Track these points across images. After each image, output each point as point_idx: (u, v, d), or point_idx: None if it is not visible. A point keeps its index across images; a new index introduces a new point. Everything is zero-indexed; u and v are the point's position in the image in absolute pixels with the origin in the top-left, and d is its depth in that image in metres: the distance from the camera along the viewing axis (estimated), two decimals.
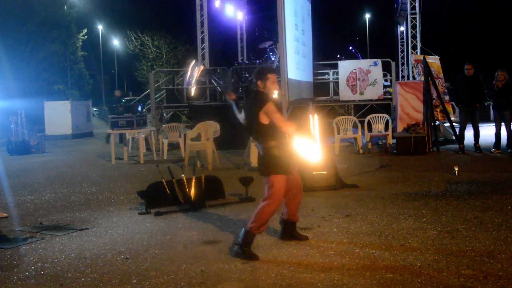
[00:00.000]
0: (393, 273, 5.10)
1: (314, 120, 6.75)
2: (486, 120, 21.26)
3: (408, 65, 25.89)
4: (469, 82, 14.23)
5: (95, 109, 43.80)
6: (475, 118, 14.28)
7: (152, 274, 5.35)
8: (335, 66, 20.21)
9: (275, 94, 6.07)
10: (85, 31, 42.55)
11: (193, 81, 7.92)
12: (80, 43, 42.23)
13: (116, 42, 61.27)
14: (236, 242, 5.92)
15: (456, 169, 10.68)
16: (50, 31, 35.62)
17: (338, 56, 24.78)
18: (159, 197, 8.60)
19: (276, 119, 5.76)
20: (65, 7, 39.05)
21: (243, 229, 5.88)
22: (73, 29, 39.93)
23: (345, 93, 18.82)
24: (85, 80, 44.33)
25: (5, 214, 8.34)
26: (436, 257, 5.52)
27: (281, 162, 5.86)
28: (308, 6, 18.53)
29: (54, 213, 8.57)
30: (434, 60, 19.86)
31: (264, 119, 5.82)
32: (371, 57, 25.38)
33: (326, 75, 21.54)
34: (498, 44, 42.67)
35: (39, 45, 34.88)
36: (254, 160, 12.67)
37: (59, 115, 26.26)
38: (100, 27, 59.16)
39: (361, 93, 18.67)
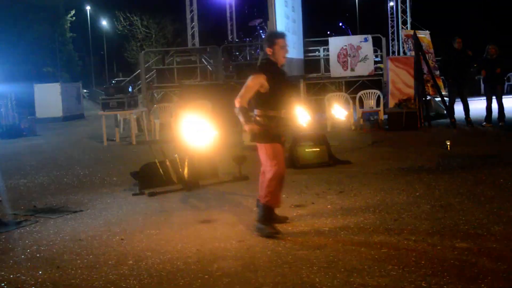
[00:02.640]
0: (388, 248, 5.13)
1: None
2: (477, 94, 21.30)
3: (398, 41, 25.86)
4: (458, 56, 14.22)
5: (85, 90, 43.59)
6: (463, 92, 14.29)
7: (148, 254, 5.36)
8: (326, 43, 20.16)
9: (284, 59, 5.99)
10: (73, 12, 42.16)
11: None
12: (68, 25, 41.87)
13: (104, 23, 60.80)
14: (256, 218, 5.89)
15: (448, 143, 10.71)
16: (38, 13, 35.28)
17: (328, 32, 24.72)
18: (152, 177, 8.59)
19: (241, 90, 5.80)
20: None
21: (259, 204, 5.87)
22: (60, 11, 39.54)
23: (336, 70, 18.79)
24: (74, 62, 44.05)
25: None
26: (430, 231, 5.55)
27: (267, 132, 5.79)
28: None
29: (47, 196, 8.55)
30: (424, 35, 19.83)
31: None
32: (361, 33, 25.28)
33: (317, 52, 21.49)
34: (488, 18, 42.59)
35: (27, 27, 34.58)
36: (246, 138, 12.64)
37: (49, 97, 26.05)
38: (88, 8, 58.67)
39: (352, 70, 18.65)
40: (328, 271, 4.65)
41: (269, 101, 5.81)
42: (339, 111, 6.36)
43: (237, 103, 5.72)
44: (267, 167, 5.83)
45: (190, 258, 5.19)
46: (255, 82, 5.75)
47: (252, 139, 5.90)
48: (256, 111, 5.89)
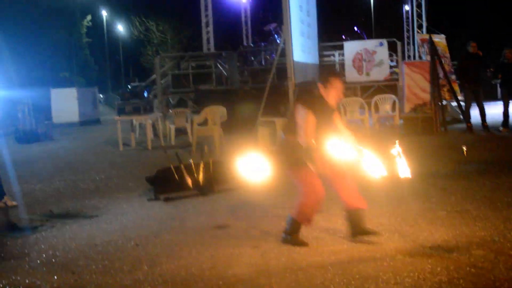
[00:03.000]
0: (403, 254, 5.10)
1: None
2: (494, 98, 21.15)
3: (414, 45, 25.77)
4: (473, 60, 14.15)
5: (101, 95, 43.83)
6: (479, 96, 14.20)
7: (163, 260, 5.37)
8: (341, 47, 20.13)
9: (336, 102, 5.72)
10: (89, 17, 42.45)
11: None
12: (85, 30, 42.18)
13: (120, 28, 61.10)
14: (284, 229, 5.76)
15: (465, 148, 10.62)
16: (55, 19, 35.57)
17: (344, 37, 24.61)
18: (167, 183, 8.59)
19: (299, 124, 5.48)
20: None
21: (289, 216, 5.72)
22: (77, 16, 39.85)
23: (351, 75, 18.75)
24: (90, 67, 44.32)
25: (14, 203, 8.36)
26: (446, 238, 5.52)
27: (292, 156, 5.56)
28: None
29: (63, 201, 8.61)
30: (440, 39, 19.73)
31: (297, 117, 5.55)
32: (376, 38, 25.21)
33: (332, 57, 21.46)
34: (505, 22, 42.31)
35: (44, 33, 34.85)
36: (261, 144, 12.66)
37: (66, 102, 26.22)
38: (104, 13, 59.01)
39: (367, 74, 18.61)
40: (343, 278, 4.64)
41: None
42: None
43: (303, 140, 5.43)
44: (300, 192, 5.66)
45: (205, 263, 5.20)
46: (309, 115, 5.46)
47: (280, 166, 5.71)
48: (283, 135, 5.75)
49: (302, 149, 5.45)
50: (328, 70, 6.16)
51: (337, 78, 5.75)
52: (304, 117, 5.47)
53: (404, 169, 5.51)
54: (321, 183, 5.59)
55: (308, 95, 5.76)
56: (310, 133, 5.44)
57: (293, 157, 5.57)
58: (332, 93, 5.66)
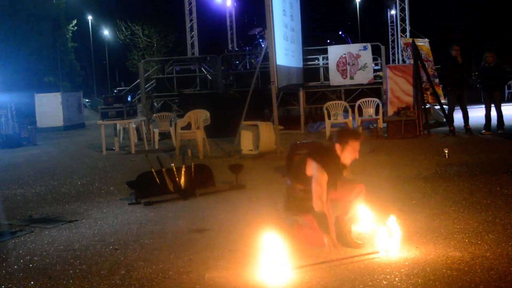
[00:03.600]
0: (380, 257, 5.10)
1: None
2: (477, 101, 21.30)
3: (398, 49, 25.89)
4: (456, 64, 14.24)
5: (86, 100, 43.68)
6: (463, 100, 14.29)
7: (141, 264, 5.34)
8: (325, 51, 20.20)
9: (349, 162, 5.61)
10: (74, 22, 42.31)
11: None
12: (70, 35, 42.01)
13: (106, 32, 60.95)
14: None
15: (446, 151, 10.69)
16: (39, 23, 35.43)
17: (328, 41, 24.73)
18: (149, 187, 8.58)
19: (313, 188, 5.30)
20: None
21: None
22: (62, 21, 39.70)
23: (335, 78, 18.81)
24: (76, 72, 44.15)
25: None
26: (424, 240, 5.53)
27: (303, 203, 5.48)
28: None
29: (44, 205, 8.55)
30: (423, 43, 19.87)
31: (308, 170, 5.43)
32: (362, 42, 25.36)
33: (316, 61, 21.52)
34: (488, 26, 42.63)
35: (28, 37, 34.71)
36: (244, 147, 12.67)
37: (50, 107, 26.15)
38: (89, 18, 58.85)
39: (351, 78, 18.67)
40: (320, 281, 4.64)
41: (307, 178, 5.44)
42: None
43: (318, 207, 5.26)
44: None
45: (182, 267, 5.17)
46: (323, 176, 5.31)
47: (291, 214, 5.67)
48: (289, 181, 5.74)
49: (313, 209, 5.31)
50: (345, 130, 5.94)
51: (357, 140, 5.54)
52: (318, 178, 5.30)
53: (394, 245, 5.28)
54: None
55: (323, 153, 5.59)
56: (325, 198, 5.31)
57: (304, 205, 5.46)
58: (350, 155, 5.54)
